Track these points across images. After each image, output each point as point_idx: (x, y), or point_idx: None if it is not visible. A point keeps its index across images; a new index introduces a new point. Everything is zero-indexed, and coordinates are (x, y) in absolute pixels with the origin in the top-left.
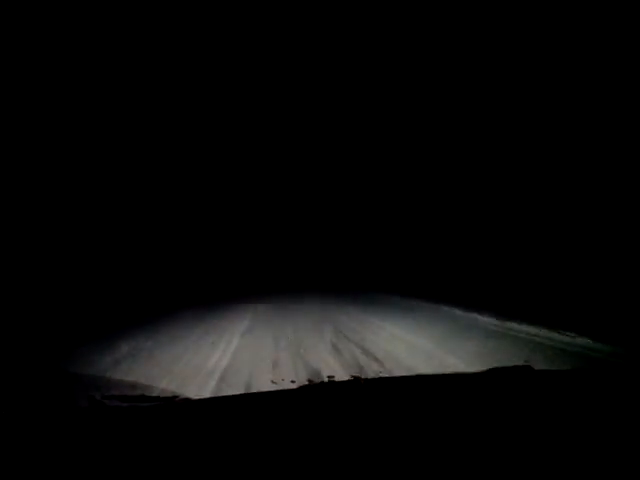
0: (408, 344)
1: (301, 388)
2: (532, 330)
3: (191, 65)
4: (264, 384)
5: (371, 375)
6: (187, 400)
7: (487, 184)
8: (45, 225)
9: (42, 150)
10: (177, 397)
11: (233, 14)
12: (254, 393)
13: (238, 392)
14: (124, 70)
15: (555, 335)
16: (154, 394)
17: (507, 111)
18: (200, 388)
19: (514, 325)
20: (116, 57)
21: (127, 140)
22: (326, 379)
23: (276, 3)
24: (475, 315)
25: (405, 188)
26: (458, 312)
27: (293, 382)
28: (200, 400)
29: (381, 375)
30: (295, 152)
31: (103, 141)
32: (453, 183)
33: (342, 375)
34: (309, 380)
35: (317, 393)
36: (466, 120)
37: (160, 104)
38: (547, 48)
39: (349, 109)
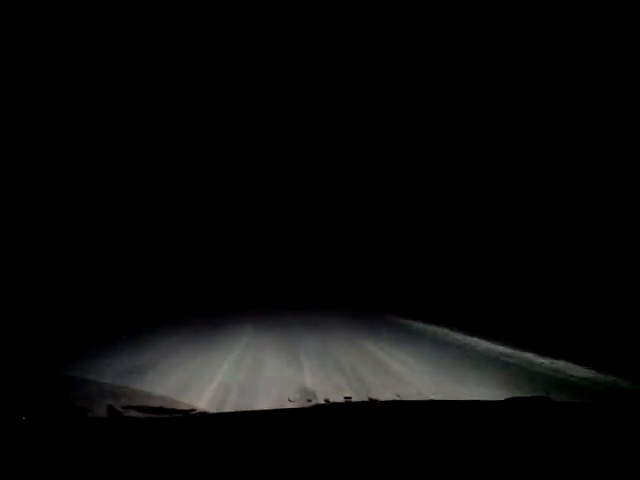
0: (419, 373)
1: (317, 407)
2: (551, 363)
3: (191, 67)
4: (281, 401)
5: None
6: (204, 414)
7: (496, 203)
8: (55, 234)
9: (45, 153)
10: (194, 411)
11: (233, 14)
12: (271, 410)
13: (255, 408)
14: (124, 70)
15: (576, 369)
16: (172, 407)
17: (508, 136)
18: (215, 402)
19: (532, 356)
20: (116, 57)
21: (132, 145)
22: (343, 400)
23: (277, 3)
24: (489, 344)
25: (409, 204)
26: (471, 339)
27: (309, 401)
28: (217, 414)
29: (397, 399)
30: (296, 166)
31: (107, 145)
32: (461, 200)
33: (355, 398)
34: (326, 400)
35: (333, 413)
36: (467, 138)
37: (159, 107)
38: (547, 49)
39: (353, 124)
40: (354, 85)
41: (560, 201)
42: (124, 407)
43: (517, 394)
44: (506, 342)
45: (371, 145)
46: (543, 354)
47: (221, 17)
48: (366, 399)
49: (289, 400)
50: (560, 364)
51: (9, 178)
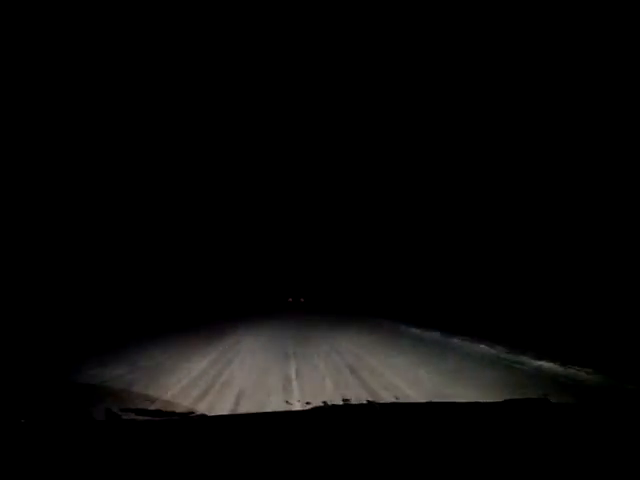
0: (417, 376)
1: (315, 409)
2: (547, 365)
3: (191, 67)
4: (278, 404)
5: (385, 401)
6: (203, 416)
7: (498, 211)
8: (62, 241)
9: (48, 155)
10: (193, 413)
11: (233, 14)
12: (269, 412)
13: (253, 410)
14: (125, 70)
15: (571, 371)
16: (170, 409)
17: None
18: (216, 404)
19: (528, 359)
20: (116, 57)
21: (134, 149)
22: (341, 402)
23: (279, 6)
24: (486, 348)
25: (413, 211)
26: (468, 343)
27: (308, 403)
28: (216, 417)
29: (396, 401)
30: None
31: (112, 152)
32: (463, 209)
33: (354, 400)
34: (324, 402)
35: (331, 415)
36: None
37: (159, 108)
38: (547, 51)
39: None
40: (356, 88)
41: (567, 210)
42: (122, 410)
43: (516, 396)
44: (505, 345)
45: (384, 158)
46: (542, 356)
47: (221, 17)
48: (364, 401)
49: (287, 402)
50: (558, 366)
51: (10, 179)
